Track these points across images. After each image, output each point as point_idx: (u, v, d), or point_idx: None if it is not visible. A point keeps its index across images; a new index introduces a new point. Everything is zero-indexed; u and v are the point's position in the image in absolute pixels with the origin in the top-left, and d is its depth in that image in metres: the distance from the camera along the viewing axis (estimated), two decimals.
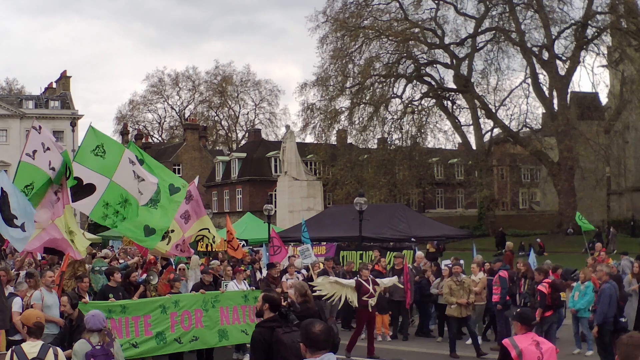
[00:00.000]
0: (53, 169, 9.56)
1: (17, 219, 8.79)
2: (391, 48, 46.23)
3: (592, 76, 51.77)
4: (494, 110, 46.63)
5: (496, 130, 48.26)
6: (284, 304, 7.50)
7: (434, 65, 47.91)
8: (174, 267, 14.53)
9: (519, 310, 6.97)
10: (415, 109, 47.23)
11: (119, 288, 11.09)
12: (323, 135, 46.81)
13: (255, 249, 22.89)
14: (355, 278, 13.11)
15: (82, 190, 10.24)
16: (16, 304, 9.11)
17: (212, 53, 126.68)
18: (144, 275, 12.38)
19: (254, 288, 12.81)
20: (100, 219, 10.55)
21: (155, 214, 11.33)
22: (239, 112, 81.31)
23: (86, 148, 10.43)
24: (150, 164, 11.55)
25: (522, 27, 44.48)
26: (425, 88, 47.60)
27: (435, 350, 13.61)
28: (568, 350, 12.48)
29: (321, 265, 15.78)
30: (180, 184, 12.04)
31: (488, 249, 34.07)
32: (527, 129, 47.22)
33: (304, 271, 15.88)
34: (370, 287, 12.60)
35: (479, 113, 47.10)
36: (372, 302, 12.58)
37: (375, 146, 48.18)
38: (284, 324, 6.43)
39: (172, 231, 12.14)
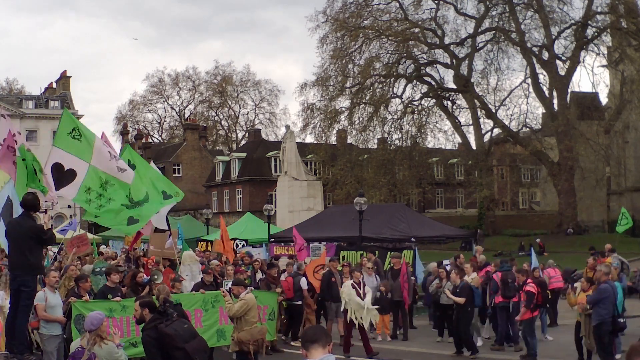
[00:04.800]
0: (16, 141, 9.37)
1: None
2: (391, 48, 46.32)
3: (592, 76, 52.01)
4: (494, 110, 46.70)
5: (496, 130, 48.37)
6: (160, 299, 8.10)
7: (434, 65, 47.98)
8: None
9: None
10: (415, 109, 47.27)
11: (117, 288, 11.04)
12: (323, 135, 46.93)
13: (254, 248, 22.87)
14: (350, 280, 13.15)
15: (64, 176, 10.12)
16: None
17: (212, 52, 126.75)
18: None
19: (253, 288, 12.82)
20: (85, 204, 10.47)
21: (141, 209, 11.49)
22: (239, 112, 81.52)
23: (63, 131, 10.32)
24: (141, 171, 11.43)
25: (522, 27, 44.55)
26: (425, 88, 47.65)
27: (435, 350, 13.60)
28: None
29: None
30: (173, 192, 12.06)
31: (488, 249, 34.08)
32: (527, 129, 47.27)
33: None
34: (361, 290, 12.69)
35: (479, 113, 47.16)
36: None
37: (375, 146, 48.22)
38: (164, 319, 7.13)
39: None
